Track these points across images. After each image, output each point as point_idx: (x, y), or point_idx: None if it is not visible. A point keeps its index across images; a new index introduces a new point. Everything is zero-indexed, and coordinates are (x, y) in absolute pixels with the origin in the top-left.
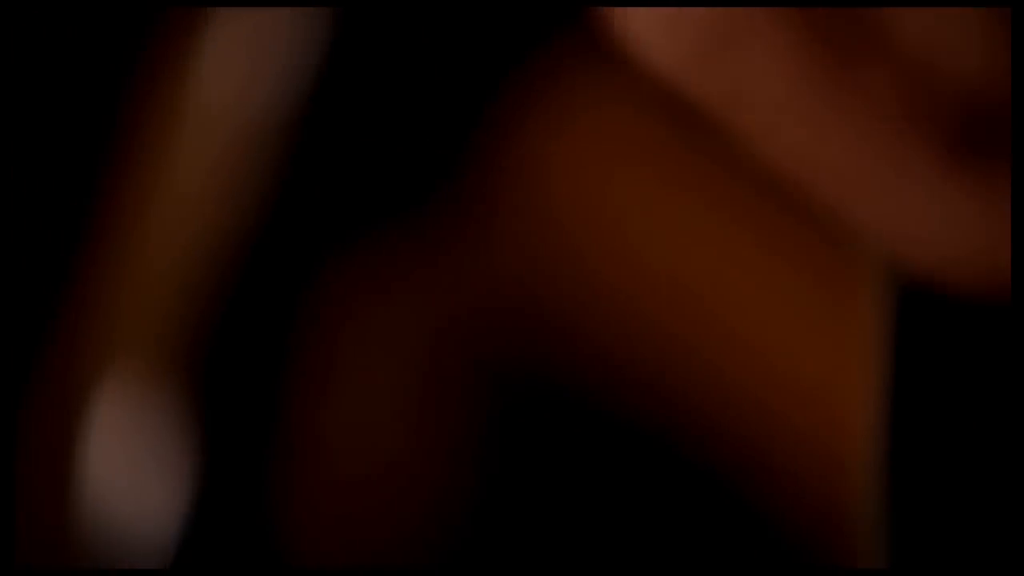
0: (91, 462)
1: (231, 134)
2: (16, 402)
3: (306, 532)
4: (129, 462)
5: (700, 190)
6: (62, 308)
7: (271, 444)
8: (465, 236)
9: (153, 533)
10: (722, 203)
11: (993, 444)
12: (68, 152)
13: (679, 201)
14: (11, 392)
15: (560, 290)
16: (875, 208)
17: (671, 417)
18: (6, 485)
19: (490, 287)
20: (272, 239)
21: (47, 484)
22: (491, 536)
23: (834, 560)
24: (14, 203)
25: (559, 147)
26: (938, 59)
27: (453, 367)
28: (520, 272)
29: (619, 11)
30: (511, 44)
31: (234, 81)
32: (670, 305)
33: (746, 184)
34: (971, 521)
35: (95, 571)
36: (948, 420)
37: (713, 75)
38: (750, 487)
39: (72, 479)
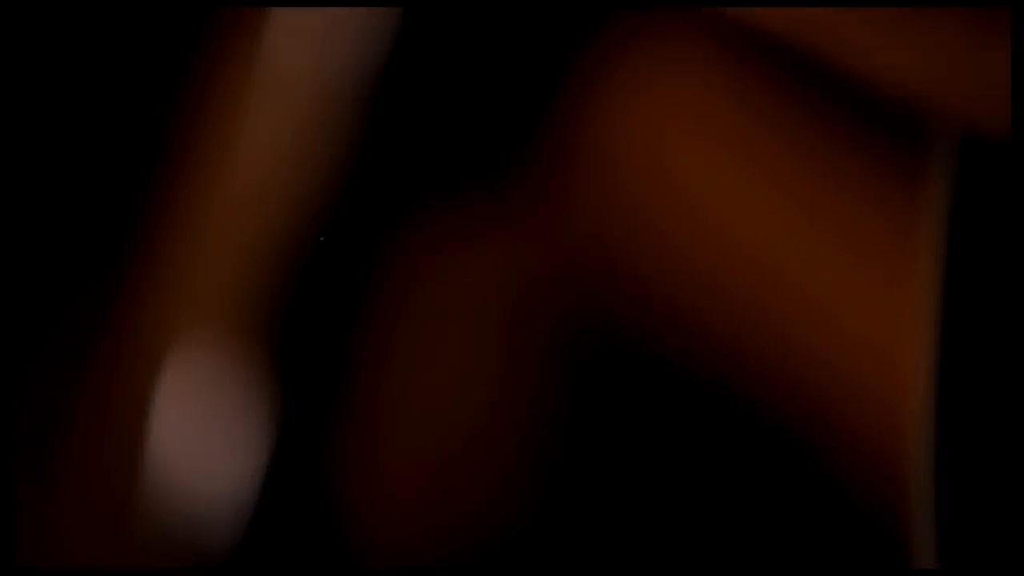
0: (162, 428)
1: (306, 98)
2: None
3: (375, 501)
4: (200, 428)
5: (757, 157)
6: (133, 274)
7: (343, 410)
8: (540, 201)
9: (222, 499)
10: (780, 169)
11: None
12: (141, 116)
13: (738, 167)
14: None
15: (629, 251)
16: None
17: (737, 371)
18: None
19: (564, 249)
20: (348, 204)
21: (117, 449)
22: (564, 498)
23: (889, 510)
24: (87, 168)
25: (628, 119)
26: None
27: (530, 327)
28: (592, 234)
29: None
30: (583, 20)
31: (308, 45)
32: (731, 264)
33: (801, 152)
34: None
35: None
36: (998, 379)
37: None
38: (812, 440)
39: (142, 445)
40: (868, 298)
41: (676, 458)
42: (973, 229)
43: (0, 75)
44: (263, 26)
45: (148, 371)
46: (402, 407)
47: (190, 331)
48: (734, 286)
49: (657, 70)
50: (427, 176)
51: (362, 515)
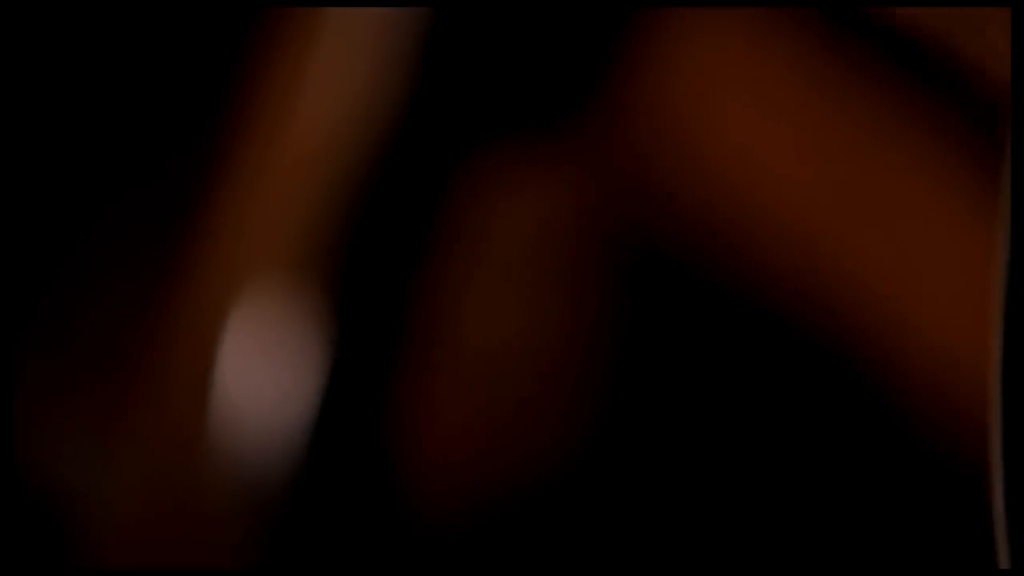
0: (228, 362)
1: (366, 43)
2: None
3: (431, 436)
4: (261, 363)
5: (804, 108)
6: (203, 219)
7: (403, 344)
8: (600, 138)
9: (278, 429)
10: (827, 122)
11: None
12: (200, 65)
13: (785, 116)
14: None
15: (682, 184)
16: None
17: (789, 299)
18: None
19: (622, 182)
20: (412, 142)
21: (190, 386)
22: (621, 428)
23: (960, 453)
24: (152, 116)
25: (683, 66)
26: None
27: (589, 259)
28: (648, 168)
29: None
30: None
31: None
32: (777, 202)
33: (854, 111)
34: None
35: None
36: None
37: None
38: (877, 378)
39: (210, 378)
40: (923, 248)
41: (732, 385)
42: None
43: (100, 45)
44: None
45: (216, 312)
46: (461, 339)
47: (255, 274)
48: (782, 221)
49: (713, 21)
50: (491, 115)
51: (417, 450)
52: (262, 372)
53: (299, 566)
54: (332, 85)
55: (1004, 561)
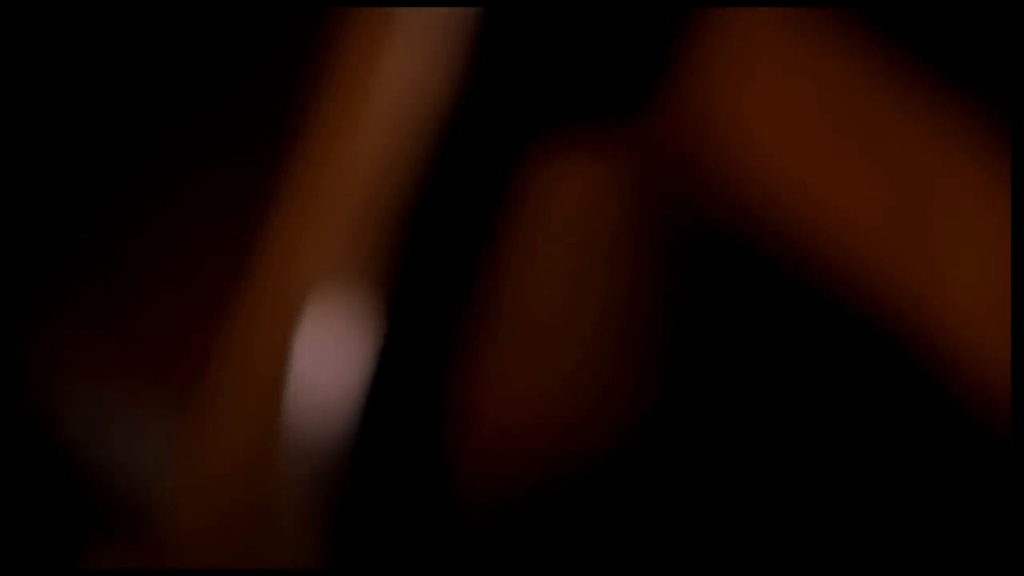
0: (299, 361)
1: (431, 42)
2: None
3: (486, 422)
4: (329, 358)
5: (828, 85)
6: (271, 210)
7: (459, 336)
8: (653, 127)
9: (341, 419)
10: (851, 105)
11: None
12: (269, 64)
13: (812, 97)
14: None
15: (724, 165)
16: None
17: (837, 280)
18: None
19: (672, 165)
20: (469, 136)
21: (261, 378)
22: (677, 412)
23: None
24: (222, 113)
25: (726, 59)
26: None
27: (641, 231)
28: (695, 152)
29: None
30: None
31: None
32: (805, 183)
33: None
34: None
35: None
36: None
37: None
38: (911, 342)
39: (284, 373)
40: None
41: (780, 359)
42: None
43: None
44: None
45: (287, 303)
46: (519, 323)
47: (323, 266)
48: (820, 207)
49: (758, 18)
50: (550, 105)
51: (472, 436)
52: (328, 363)
53: (358, 550)
54: (398, 84)
55: None
